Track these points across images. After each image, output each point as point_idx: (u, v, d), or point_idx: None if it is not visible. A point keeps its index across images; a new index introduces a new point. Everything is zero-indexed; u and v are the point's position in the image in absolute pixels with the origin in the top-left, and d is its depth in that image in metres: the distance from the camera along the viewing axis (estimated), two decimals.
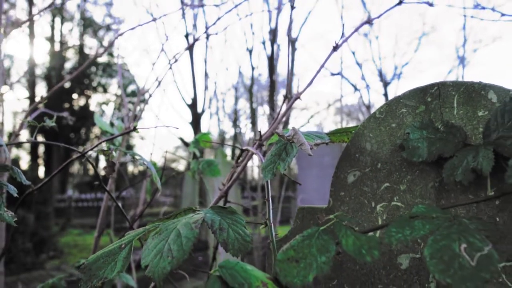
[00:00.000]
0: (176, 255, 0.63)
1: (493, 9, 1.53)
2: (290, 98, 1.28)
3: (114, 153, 1.48)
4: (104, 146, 1.27)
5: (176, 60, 2.26)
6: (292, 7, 1.29)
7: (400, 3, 1.36)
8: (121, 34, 2.16)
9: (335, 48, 1.29)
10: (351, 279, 0.84)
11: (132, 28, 2.10)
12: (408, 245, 0.77)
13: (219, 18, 2.22)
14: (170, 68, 2.28)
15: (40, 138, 14.84)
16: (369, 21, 1.34)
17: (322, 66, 1.27)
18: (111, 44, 2.21)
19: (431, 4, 1.35)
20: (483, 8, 1.63)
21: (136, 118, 2.03)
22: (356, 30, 1.35)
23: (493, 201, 0.69)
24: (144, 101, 2.21)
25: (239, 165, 1.26)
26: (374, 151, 0.83)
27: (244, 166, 1.23)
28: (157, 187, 1.31)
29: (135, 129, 1.09)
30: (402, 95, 0.81)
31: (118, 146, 1.85)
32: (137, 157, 1.13)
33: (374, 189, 0.82)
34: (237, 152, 1.33)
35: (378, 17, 1.34)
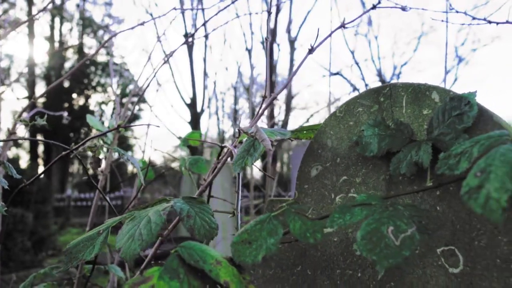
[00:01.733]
0: (146, 238, 0.70)
1: (465, 13, 1.59)
2: (272, 98, 1.35)
3: (104, 149, 1.55)
4: (98, 143, 1.34)
5: (171, 55, 2.30)
6: (269, 12, 1.36)
7: (373, 7, 1.44)
8: (115, 35, 2.23)
9: (310, 51, 1.36)
10: (313, 265, 0.91)
11: (131, 28, 2.16)
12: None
13: (217, 13, 2.27)
14: (167, 61, 2.32)
15: (39, 137, 14.92)
16: (343, 26, 1.41)
17: (298, 68, 1.34)
18: (103, 44, 2.28)
19: (404, 9, 1.42)
20: (457, 12, 1.70)
21: (127, 117, 2.10)
22: (330, 34, 1.42)
23: (434, 192, 0.76)
24: (139, 98, 2.27)
25: (220, 162, 1.34)
26: (334, 147, 0.90)
27: (223, 162, 1.30)
28: (142, 183, 1.39)
29: (119, 127, 1.16)
30: (359, 95, 0.88)
31: (110, 144, 1.92)
32: (122, 153, 1.20)
33: (334, 182, 0.89)
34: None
35: (352, 21, 1.41)
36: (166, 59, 2.31)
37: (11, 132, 1.72)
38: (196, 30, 2.34)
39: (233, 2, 2.37)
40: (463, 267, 0.72)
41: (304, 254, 0.93)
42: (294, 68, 1.31)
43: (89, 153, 1.34)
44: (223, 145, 1.27)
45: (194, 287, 0.59)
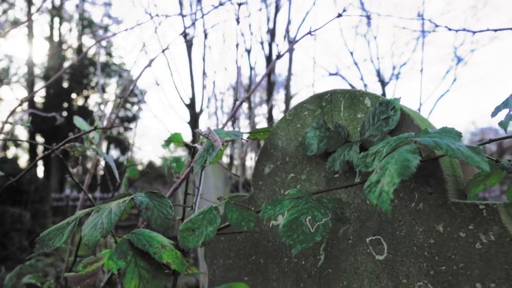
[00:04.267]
0: (106, 227, 0.79)
1: (430, 21, 1.69)
2: (243, 100, 1.44)
3: (85, 149, 1.64)
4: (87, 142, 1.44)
5: (167, 47, 2.36)
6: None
7: (339, 16, 1.53)
8: (105, 38, 2.32)
9: (278, 56, 1.46)
10: (265, 254, 1.00)
11: (126, 30, 2.25)
12: (327, 232, 0.93)
13: (216, 7, 2.34)
14: (163, 52, 2.39)
15: (39, 138, 15.03)
16: (310, 33, 1.51)
17: (267, 72, 1.44)
18: (97, 42, 2.37)
19: (369, 17, 1.52)
20: (423, 19, 1.79)
21: (114, 117, 2.19)
22: (300, 39, 1.52)
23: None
24: (132, 88, 2.35)
25: (193, 161, 1.43)
26: (284, 147, 1.00)
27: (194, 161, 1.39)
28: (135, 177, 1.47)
29: (95, 128, 1.25)
30: (305, 100, 0.98)
31: (96, 144, 2.01)
32: (98, 153, 1.29)
33: (283, 178, 0.99)
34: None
35: (318, 29, 1.51)
36: (162, 51, 2.38)
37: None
38: (192, 24, 2.42)
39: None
40: (387, 254, 0.82)
41: (257, 245, 1.02)
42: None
43: (89, 153, 1.42)
44: (194, 145, 1.36)
45: (141, 266, 0.69)
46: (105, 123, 2.26)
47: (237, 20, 1.86)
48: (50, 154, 1.29)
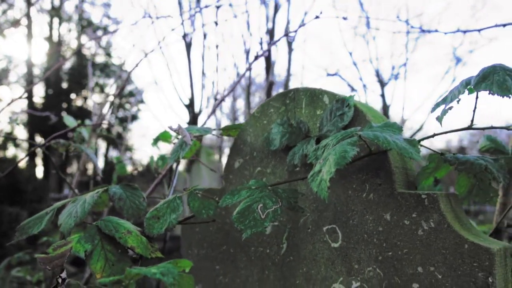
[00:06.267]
0: (79, 215, 0.86)
1: (406, 22, 1.74)
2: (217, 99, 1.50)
3: (81, 145, 1.69)
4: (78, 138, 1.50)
5: (164, 39, 2.41)
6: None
7: (316, 17, 1.59)
8: (99, 37, 2.38)
9: (256, 57, 1.52)
10: (235, 244, 1.06)
11: (117, 30, 2.31)
12: (276, 218, 0.99)
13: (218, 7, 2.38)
14: (159, 44, 2.43)
15: (38, 138, 15.08)
16: (287, 34, 1.57)
17: (243, 75, 1.50)
18: (92, 39, 2.43)
19: (345, 18, 1.58)
20: (400, 20, 1.85)
21: (103, 116, 2.25)
22: (276, 41, 1.58)
23: None
24: (127, 78, 2.40)
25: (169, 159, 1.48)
26: (252, 142, 1.05)
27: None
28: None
29: (80, 125, 1.31)
30: (271, 98, 1.04)
31: (85, 141, 2.07)
32: (82, 149, 1.35)
33: (251, 172, 1.05)
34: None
35: (296, 30, 1.57)
36: (158, 43, 2.42)
37: None
38: (191, 16, 2.47)
39: None
40: (341, 242, 0.87)
41: (228, 235, 1.08)
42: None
43: (89, 150, 1.47)
44: (172, 142, 1.42)
45: (107, 250, 0.75)
46: (103, 122, 2.31)
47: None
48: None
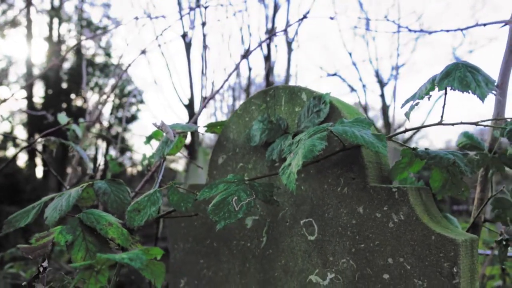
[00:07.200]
0: (64, 208, 0.88)
1: (393, 22, 1.77)
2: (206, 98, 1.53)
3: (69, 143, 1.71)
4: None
5: (161, 34, 2.42)
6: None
7: (304, 17, 1.62)
8: (95, 36, 2.41)
9: (244, 56, 1.55)
10: (218, 238, 1.09)
11: (114, 28, 2.33)
12: (250, 210, 1.02)
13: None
14: (156, 39, 2.43)
15: (36, 137, 15.11)
16: (274, 34, 1.60)
17: (232, 72, 1.53)
18: (91, 37, 2.45)
19: (332, 18, 1.61)
20: (388, 20, 1.88)
21: (98, 114, 2.27)
22: (264, 41, 1.62)
23: (300, 174, 0.94)
24: (123, 71, 2.43)
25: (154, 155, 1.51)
26: (235, 139, 1.08)
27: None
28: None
29: (68, 123, 1.34)
30: (253, 96, 1.07)
31: (79, 139, 2.10)
32: (72, 147, 1.38)
33: (234, 168, 1.08)
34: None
35: (284, 30, 1.60)
36: (156, 38, 2.43)
37: None
38: (191, 10, 2.49)
39: None
40: (317, 235, 0.90)
41: (211, 230, 1.11)
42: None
43: (79, 148, 1.50)
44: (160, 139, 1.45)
45: (89, 241, 0.78)
46: (97, 121, 2.33)
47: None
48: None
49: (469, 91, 0.65)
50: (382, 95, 17.78)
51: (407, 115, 0.77)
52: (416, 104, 0.76)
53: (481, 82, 0.65)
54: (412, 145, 0.92)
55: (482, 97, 0.64)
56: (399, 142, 0.88)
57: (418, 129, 0.84)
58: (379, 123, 14.82)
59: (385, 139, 0.72)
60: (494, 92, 0.71)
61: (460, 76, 0.67)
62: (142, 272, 0.61)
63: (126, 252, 0.58)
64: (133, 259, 0.53)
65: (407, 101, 0.79)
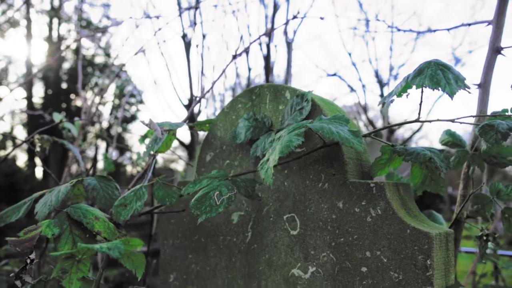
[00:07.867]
0: (53, 204, 0.91)
1: (384, 21, 1.79)
2: (197, 97, 1.56)
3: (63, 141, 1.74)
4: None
5: (159, 29, 2.43)
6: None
7: (294, 17, 1.64)
8: (88, 36, 2.43)
9: (235, 56, 1.57)
10: (205, 234, 1.11)
11: (111, 27, 2.36)
12: (237, 205, 1.05)
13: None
14: (154, 35, 2.44)
15: (37, 136, 15.13)
16: (266, 33, 1.62)
17: (223, 72, 1.55)
18: (89, 36, 2.48)
19: (322, 18, 1.63)
20: (378, 20, 1.91)
21: (93, 114, 2.30)
22: (255, 41, 1.63)
23: (283, 171, 0.96)
24: (121, 68, 2.46)
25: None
26: (222, 137, 1.11)
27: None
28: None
29: (61, 122, 1.37)
30: (239, 94, 1.09)
31: (75, 138, 2.12)
32: (65, 144, 1.41)
33: (221, 165, 1.10)
34: None
35: (276, 28, 1.62)
36: (154, 33, 2.45)
37: None
38: (192, 7, 2.52)
39: None
40: (299, 229, 0.93)
41: (199, 226, 1.13)
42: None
43: (71, 146, 1.52)
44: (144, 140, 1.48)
45: (75, 234, 0.80)
46: (100, 123, 2.35)
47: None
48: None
49: (439, 88, 0.67)
50: (382, 95, 17.79)
51: (382, 112, 0.80)
52: (392, 101, 0.78)
53: (451, 79, 0.68)
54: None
55: (451, 94, 0.66)
56: (379, 139, 0.91)
57: (398, 125, 0.86)
58: (379, 123, 14.84)
59: (360, 135, 0.75)
60: (468, 89, 0.74)
61: (431, 74, 0.69)
62: (122, 262, 0.64)
63: (106, 242, 0.60)
64: (111, 248, 0.56)
65: (384, 99, 0.82)
